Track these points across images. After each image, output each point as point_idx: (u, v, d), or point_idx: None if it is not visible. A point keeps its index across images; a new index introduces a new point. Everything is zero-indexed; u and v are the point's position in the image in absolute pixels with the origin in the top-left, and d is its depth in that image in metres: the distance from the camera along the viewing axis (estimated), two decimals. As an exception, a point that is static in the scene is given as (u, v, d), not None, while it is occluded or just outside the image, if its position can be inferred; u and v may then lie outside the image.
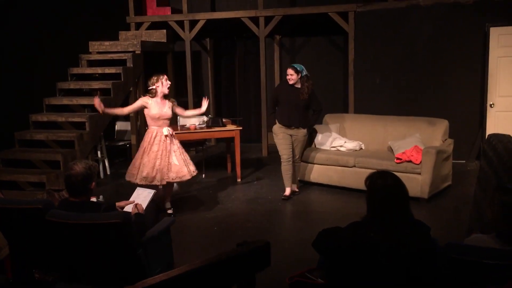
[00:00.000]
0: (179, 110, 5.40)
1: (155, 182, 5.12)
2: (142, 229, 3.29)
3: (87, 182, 3.13)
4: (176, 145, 5.29)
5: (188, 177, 5.26)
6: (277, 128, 5.85)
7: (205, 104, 5.54)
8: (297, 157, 6.01)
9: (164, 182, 5.19)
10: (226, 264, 2.03)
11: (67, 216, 2.94)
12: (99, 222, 2.88)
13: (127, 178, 5.25)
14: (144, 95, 5.33)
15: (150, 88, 5.20)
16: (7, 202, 3.31)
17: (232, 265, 2.07)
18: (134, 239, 3.03)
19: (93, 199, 3.42)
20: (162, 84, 5.19)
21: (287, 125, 5.79)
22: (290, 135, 5.85)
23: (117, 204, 3.58)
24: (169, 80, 5.34)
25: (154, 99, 5.18)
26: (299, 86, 5.69)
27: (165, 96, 5.25)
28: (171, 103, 5.28)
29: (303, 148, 6.08)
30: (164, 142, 5.18)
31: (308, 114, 5.88)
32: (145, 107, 5.20)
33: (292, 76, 5.68)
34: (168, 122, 5.27)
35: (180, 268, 1.93)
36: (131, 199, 3.81)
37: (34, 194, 5.78)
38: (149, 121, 5.24)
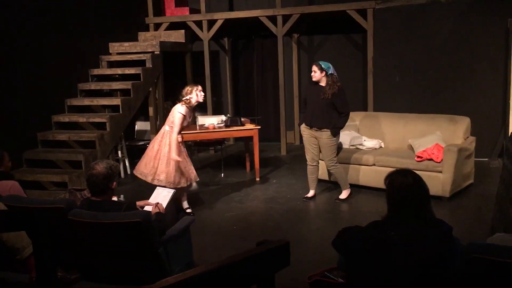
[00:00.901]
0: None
1: (182, 185, 5.21)
2: (162, 228, 3.33)
3: (109, 181, 3.17)
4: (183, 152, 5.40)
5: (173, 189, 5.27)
6: (303, 128, 5.72)
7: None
8: (326, 161, 5.71)
9: (156, 183, 5.08)
10: (246, 264, 2.03)
11: (89, 216, 2.98)
12: (120, 221, 2.92)
13: (173, 186, 5.06)
14: (180, 104, 5.16)
15: (185, 98, 5.17)
16: (30, 202, 3.37)
17: (251, 264, 2.07)
18: (155, 238, 3.06)
19: (114, 198, 3.47)
20: (198, 96, 5.19)
21: (309, 125, 5.62)
22: (315, 137, 5.66)
23: (137, 203, 3.63)
24: (203, 90, 5.30)
25: (188, 110, 5.18)
26: (324, 84, 5.49)
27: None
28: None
29: (333, 151, 5.64)
30: (182, 147, 5.30)
31: (333, 116, 5.49)
32: (184, 119, 5.16)
33: (314, 73, 5.48)
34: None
35: (199, 267, 1.94)
36: (151, 198, 3.85)
37: (56, 194, 5.88)
38: (174, 127, 5.18)
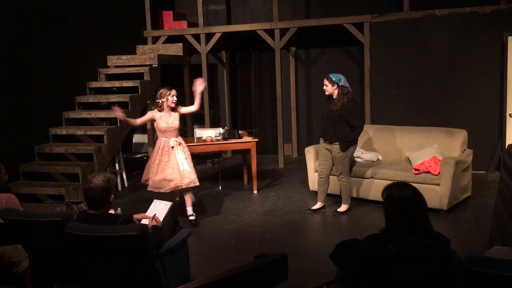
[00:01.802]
0: (181, 110, 5.49)
1: (170, 189, 5.30)
2: (159, 241, 3.31)
3: (106, 195, 3.16)
4: (186, 153, 5.43)
5: (197, 183, 5.41)
6: (320, 141, 5.73)
7: (199, 91, 5.40)
8: (337, 174, 5.69)
9: (179, 188, 5.36)
10: (244, 277, 2.02)
11: (86, 229, 2.97)
12: (117, 235, 2.90)
13: (149, 188, 5.46)
14: (152, 109, 5.51)
15: (157, 101, 5.38)
16: (27, 215, 3.35)
17: (249, 278, 2.06)
18: (152, 251, 3.04)
19: (111, 211, 3.45)
20: (167, 100, 5.32)
21: (322, 138, 5.65)
22: (329, 151, 5.63)
23: (134, 216, 3.62)
24: (176, 94, 5.43)
25: (161, 112, 5.35)
26: (335, 97, 5.48)
27: (172, 109, 5.39)
28: (177, 113, 5.42)
29: (344, 165, 5.58)
30: (172, 152, 5.34)
31: (344, 130, 5.42)
32: (153, 120, 5.38)
33: (326, 87, 5.49)
34: (175, 132, 5.40)
35: (197, 281, 1.94)
36: (148, 211, 3.84)
37: (53, 207, 5.85)
38: (157, 132, 5.43)
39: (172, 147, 5.33)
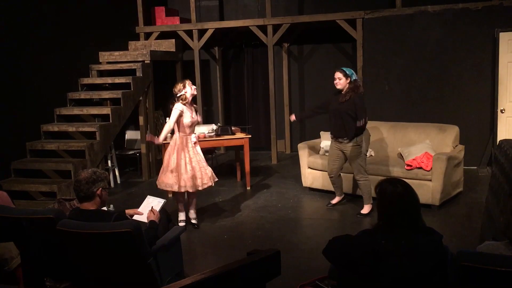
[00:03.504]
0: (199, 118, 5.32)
1: (190, 189, 5.10)
2: (155, 236, 3.31)
3: (92, 185, 3.14)
4: (200, 152, 5.27)
5: (212, 183, 5.25)
6: (331, 139, 5.51)
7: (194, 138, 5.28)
8: (355, 172, 5.45)
9: (200, 189, 5.14)
10: (237, 273, 2.03)
11: (78, 226, 2.95)
12: (110, 232, 2.89)
13: (162, 187, 5.14)
14: (175, 102, 5.09)
15: (179, 95, 5.05)
16: (18, 212, 3.33)
17: (242, 274, 2.07)
18: (145, 248, 3.04)
19: (104, 208, 3.44)
20: (191, 88, 5.08)
21: (332, 136, 5.42)
22: (342, 151, 5.39)
23: (126, 211, 3.60)
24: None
25: (186, 106, 5.07)
26: (344, 91, 5.23)
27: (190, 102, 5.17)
28: (196, 107, 5.27)
29: (362, 161, 5.38)
30: (194, 149, 5.15)
31: (354, 123, 5.18)
32: (180, 115, 5.04)
33: (339, 80, 5.17)
34: (194, 128, 5.24)
35: (191, 277, 1.93)
36: (141, 207, 3.83)
37: (45, 204, 5.82)
38: (181, 128, 5.08)
39: (195, 143, 5.14)
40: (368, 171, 5.58)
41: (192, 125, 5.13)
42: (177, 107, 5.02)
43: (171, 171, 5.09)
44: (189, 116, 5.06)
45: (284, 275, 2.50)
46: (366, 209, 5.52)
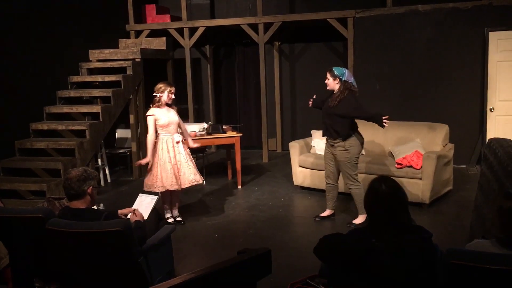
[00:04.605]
0: (180, 122, 5.35)
1: (174, 187, 5.12)
2: (142, 237, 3.29)
3: (82, 183, 3.13)
4: (186, 150, 5.31)
5: (200, 181, 5.31)
6: (325, 142, 5.36)
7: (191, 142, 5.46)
8: (344, 178, 5.18)
9: (183, 186, 5.18)
10: (227, 272, 2.02)
11: (68, 225, 2.93)
12: (99, 231, 2.88)
13: (146, 188, 5.15)
14: (149, 108, 5.23)
15: (154, 94, 5.17)
16: (7, 211, 3.30)
17: (233, 273, 2.06)
18: (135, 247, 3.02)
19: (94, 207, 3.42)
20: (168, 96, 5.16)
21: (324, 135, 5.21)
22: (333, 154, 5.15)
23: (120, 211, 3.58)
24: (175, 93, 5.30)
25: (159, 108, 5.16)
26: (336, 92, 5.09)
27: (167, 105, 5.23)
28: (175, 109, 5.31)
29: (351, 167, 5.07)
30: (177, 148, 5.18)
31: (343, 125, 4.99)
32: (155, 119, 5.13)
33: (327, 81, 5.05)
34: (177, 127, 5.26)
35: (181, 276, 1.93)
36: (134, 205, 3.81)
37: (34, 203, 5.76)
38: (159, 129, 5.17)
39: (178, 142, 5.17)
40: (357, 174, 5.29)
41: (170, 125, 5.17)
42: (149, 115, 5.16)
43: (151, 171, 5.17)
44: (164, 116, 5.14)
45: (275, 273, 2.50)
46: (359, 219, 5.19)
